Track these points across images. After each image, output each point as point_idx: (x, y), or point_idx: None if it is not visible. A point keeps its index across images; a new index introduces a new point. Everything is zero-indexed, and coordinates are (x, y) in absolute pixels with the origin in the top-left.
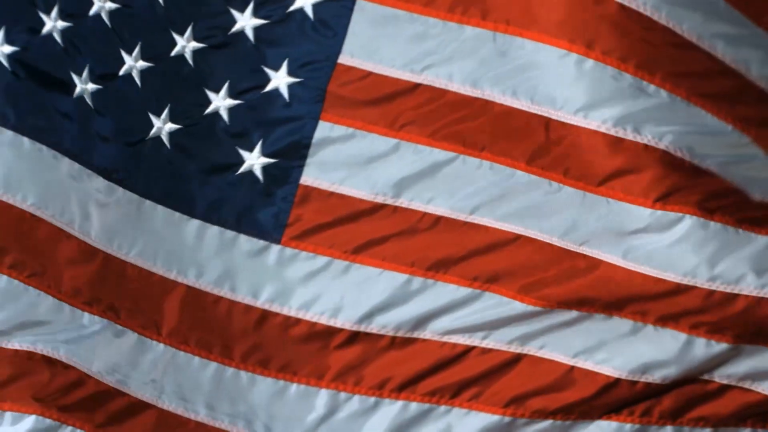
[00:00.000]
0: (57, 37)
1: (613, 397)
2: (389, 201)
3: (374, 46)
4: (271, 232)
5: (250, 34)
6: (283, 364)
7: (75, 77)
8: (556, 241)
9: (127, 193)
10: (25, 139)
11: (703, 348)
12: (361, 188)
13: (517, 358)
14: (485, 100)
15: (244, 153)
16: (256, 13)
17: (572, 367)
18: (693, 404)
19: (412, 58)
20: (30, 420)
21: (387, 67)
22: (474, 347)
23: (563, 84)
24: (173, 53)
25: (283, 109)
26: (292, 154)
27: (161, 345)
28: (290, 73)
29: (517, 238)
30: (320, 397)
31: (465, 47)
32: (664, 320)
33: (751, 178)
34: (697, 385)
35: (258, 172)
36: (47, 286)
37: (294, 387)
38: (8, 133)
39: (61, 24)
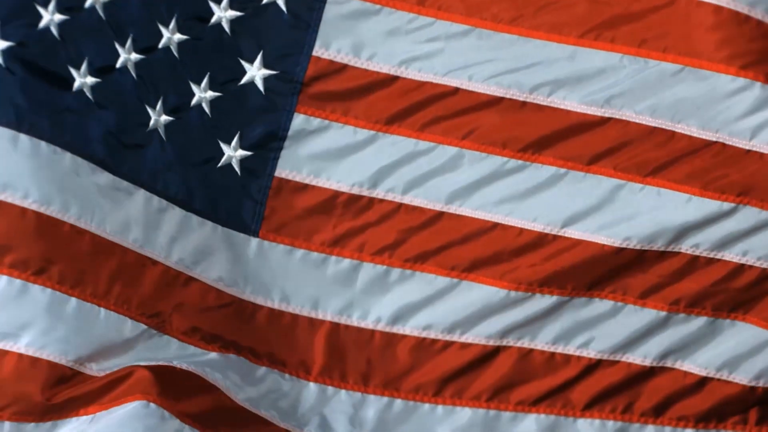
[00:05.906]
0: (54, 30)
1: (595, 379)
2: (365, 192)
3: (349, 39)
4: (249, 224)
5: (226, 26)
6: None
7: (73, 71)
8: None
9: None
10: (23, 136)
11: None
12: (337, 180)
13: (496, 351)
14: (465, 90)
15: (224, 146)
16: (231, 5)
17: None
18: (673, 401)
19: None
20: None
21: (364, 60)
22: (454, 342)
23: None
24: (161, 45)
25: (260, 101)
26: (267, 147)
27: None
28: (266, 65)
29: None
30: (309, 389)
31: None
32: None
33: None
34: (676, 376)
35: (236, 166)
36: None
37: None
38: (5, 131)
39: (59, 17)
